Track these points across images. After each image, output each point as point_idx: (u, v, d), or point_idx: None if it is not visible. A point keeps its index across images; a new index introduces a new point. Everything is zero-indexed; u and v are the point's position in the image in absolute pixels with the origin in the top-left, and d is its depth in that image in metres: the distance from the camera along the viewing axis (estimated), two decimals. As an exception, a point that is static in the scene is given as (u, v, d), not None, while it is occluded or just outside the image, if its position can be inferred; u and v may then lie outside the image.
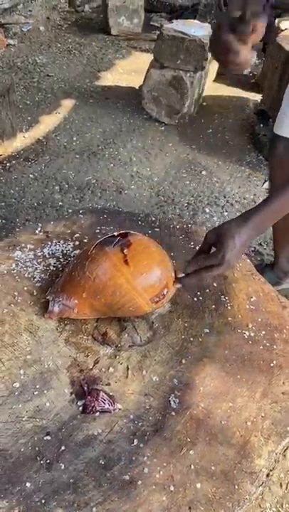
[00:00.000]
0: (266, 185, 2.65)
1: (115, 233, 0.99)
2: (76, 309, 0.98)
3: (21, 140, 2.86)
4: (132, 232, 1.00)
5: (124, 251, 0.94)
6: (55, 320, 1.02)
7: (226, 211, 2.45)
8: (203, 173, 2.73)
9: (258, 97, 3.46)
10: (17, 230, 1.28)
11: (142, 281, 0.94)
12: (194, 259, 1.01)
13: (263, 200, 1.03)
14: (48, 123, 3.07)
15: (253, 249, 2.22)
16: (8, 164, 2.66)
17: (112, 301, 0.95)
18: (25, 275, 1.12)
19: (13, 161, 2.69)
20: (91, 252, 0.96)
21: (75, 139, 2.95)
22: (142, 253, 0.95)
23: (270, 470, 0.85)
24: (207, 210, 2.44)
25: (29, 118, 3.10)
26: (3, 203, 2.38)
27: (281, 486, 1.35)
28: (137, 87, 3.51)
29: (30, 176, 2.60)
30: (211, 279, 1.15)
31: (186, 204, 2.48)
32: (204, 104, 3.46)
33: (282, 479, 1.37)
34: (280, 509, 1.30)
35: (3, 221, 2.26)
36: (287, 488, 1.35)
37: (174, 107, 3.10)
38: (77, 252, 1.18)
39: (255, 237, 1.05)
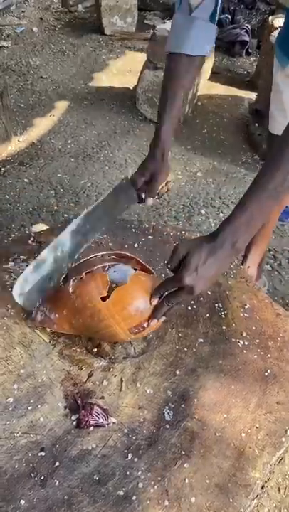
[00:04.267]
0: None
1: (110, 253, 1.01)
2: (56, 324, 0.98)
3: (16, 144, 2.85)
4: (128, 254, 1.00)
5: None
6: (49, 333, 1.02)
7: (222, 212, 2.44)
8: (199, 174, 2.72)
9: (252, 96, 3.46)
10: (12, 235, 1.28)
11: (122, 310, 0.90)
12: (157, 289, 0.91)
13: (237, 204, 0.87)
14: (42, 126, 3.06)
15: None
16: (2, 169, 2.65)
17: (90, 324, 0.93)
18: (19, 287, 1.11)
19: (8, 166, 2.68)
20: (80, 271, 0.96)
21: (69, 141, 2.94)
22: (129, 281, 0.92)
23: (265, 481, 0.84)
24: (203, 212, 2.44)
25: (23, 121, 3.09)
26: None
27: (279, 490, 1.35)
28: (131, 88, 3.49)
29: (25, 180, 2.59)
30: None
31: (181, 206, 2.47)
32: (199, 103, 3.45)
33: (280, 484, 1.37)
34: (279, 514, 1.30)
35: (-1, 227, 2.27)
36: (285, 492, 1.35)
37: (168, 108, 3.09)
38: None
39: (236, 251, 0.86)
